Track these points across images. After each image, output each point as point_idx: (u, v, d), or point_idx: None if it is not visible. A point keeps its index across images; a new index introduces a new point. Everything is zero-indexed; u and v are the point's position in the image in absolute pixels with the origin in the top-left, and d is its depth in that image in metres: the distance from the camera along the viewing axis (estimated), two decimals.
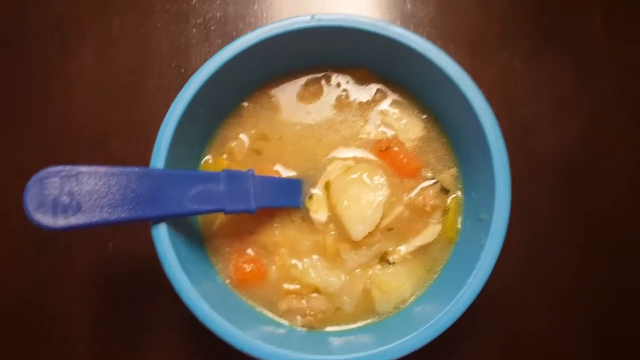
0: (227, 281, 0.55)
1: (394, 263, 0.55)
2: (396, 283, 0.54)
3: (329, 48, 0.54)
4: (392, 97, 0.58)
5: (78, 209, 0.40)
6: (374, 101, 0.58)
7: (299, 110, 0.58)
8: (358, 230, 0.53)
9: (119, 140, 0.66)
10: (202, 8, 0.68)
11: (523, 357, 0.62)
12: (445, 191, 0.56)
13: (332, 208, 0.54)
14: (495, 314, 0.62)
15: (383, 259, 0.55)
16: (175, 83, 0.66)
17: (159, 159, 0.48)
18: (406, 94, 0.58)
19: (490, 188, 0.49)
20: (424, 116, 0.58)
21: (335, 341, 0.52)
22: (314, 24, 0.51)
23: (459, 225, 0.55)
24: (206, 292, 0.48)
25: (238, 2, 0.68)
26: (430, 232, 0.55)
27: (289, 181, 0.55)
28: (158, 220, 0.46)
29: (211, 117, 0.56)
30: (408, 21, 0.69)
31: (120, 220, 0.42)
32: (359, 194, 0.54)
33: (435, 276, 0.55)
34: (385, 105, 0.58)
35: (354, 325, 0.54)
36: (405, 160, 0.55)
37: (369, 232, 0.53)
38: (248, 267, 0.54)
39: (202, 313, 0.46)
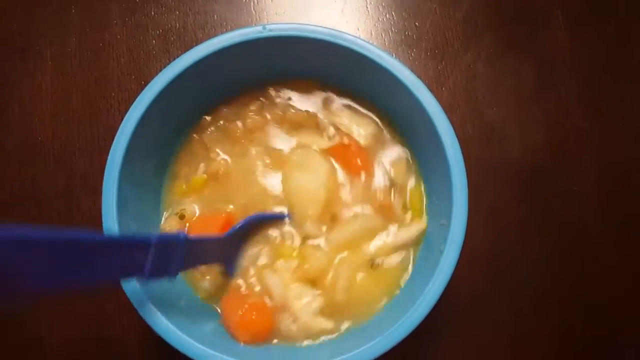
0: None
1: (378, 265, 0.54)
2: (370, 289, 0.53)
3: (279, 61, 0.54)
4: (340, 102, 0.58)
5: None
6: (324, 108, 0.58)
7: (248, 134, 0.57)
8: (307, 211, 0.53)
9: (82, 156, 0.65)
10: (162, 19, 0.67)
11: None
12: (396, 186, 0.56)
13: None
14: (461, 322, 0.61)
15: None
16: (136, 95, 0.65)
17: (111, 173, 0.48)
18: (356, 97, 0.58)
19: (449, 194, 0.49)
20: (375, 116, 0.58)
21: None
22: (265, 34, 0.50)
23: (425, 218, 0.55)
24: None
25: (198, 12, 0.67)
26: (413, 227, 0.55)
27: (224, 239, 0.51)
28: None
29: (168, 132, 0.56)
30: (371, 28, 0.68)
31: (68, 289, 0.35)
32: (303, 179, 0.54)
33: (402, 285, 0.55)
34: (335, 109, 0.58)
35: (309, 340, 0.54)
36: (357, 158, 0.55)
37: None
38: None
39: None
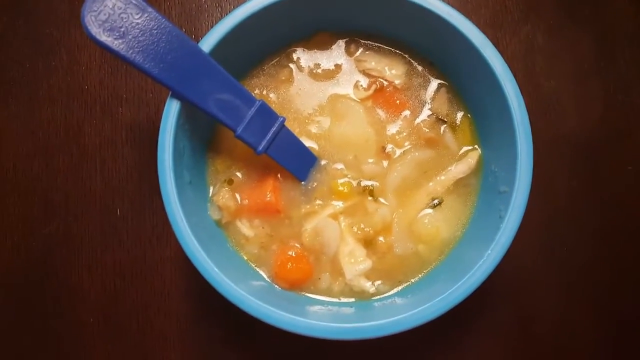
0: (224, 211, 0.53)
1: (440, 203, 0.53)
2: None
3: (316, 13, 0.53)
4: (362, 46, 0.57)
5: (122, 36, 0.42)
6: (350, 58, 0.57)
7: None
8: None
9: (128, 107, 0.64)
10: None
11: (536, 338, 0.61)
12: (442, 122, 0.55)
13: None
14: (509, 294, 0.61)
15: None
16: None
17: (167, 124, 0.47)
18: (379, 37, 0.57)
19: (511, 160, 0.47)
20: (403, 53, 0.57)
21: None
22: None
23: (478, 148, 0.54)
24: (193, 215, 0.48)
25: None
26: (464, 164, 0.54)
27: (309, 152, 0.53)
28: (177, 96, 0.46)
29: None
30: None
31: (148, 72, 0.43)
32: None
33: (449, 252, 0.54)
34: (360, 56, 0.57)
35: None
36: (396, 98, 0.55)
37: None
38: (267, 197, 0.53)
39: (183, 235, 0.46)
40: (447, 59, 0.54)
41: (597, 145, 0.64)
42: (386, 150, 0.54)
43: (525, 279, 0.61)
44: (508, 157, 0.48)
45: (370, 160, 0.54)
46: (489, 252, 0.46)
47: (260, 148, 0.48)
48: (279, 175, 0.53)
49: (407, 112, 0.55)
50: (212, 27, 0.48)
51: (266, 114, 0.48)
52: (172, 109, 0.47)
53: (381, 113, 0.55)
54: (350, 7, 0.52)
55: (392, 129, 0.55)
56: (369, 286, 0.52)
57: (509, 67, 0.65)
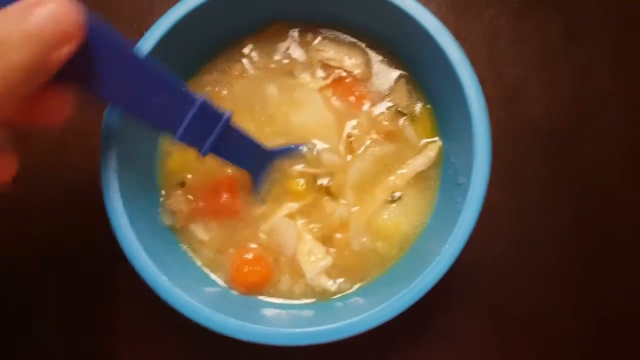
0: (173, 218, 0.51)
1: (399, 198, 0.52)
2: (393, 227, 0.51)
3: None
4: (320, 36, 0.55)
5: None
6: (306, 48, 0.55)
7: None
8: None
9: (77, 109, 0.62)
10: None
11: (508, 333, 0.59)
12: (401, 114, 0.53)
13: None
14: (477, 285, 0.59)
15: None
16: None
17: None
18: (336, 25, 0.55)
19: (469, 151, 0.46)
20: (360, 43, 0.55)
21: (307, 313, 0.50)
22: None
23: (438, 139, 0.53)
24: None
25: None
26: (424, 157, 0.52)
27: (262, 149, 0.49)
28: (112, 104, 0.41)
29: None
30: None
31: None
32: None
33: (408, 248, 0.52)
34: (317, 45, 0.55)
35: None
36: (355, 89, 0.53)
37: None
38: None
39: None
40: (405, 47, 0.53)
41: (565, 131, 0.62)
42: (350, 140, 0.52)
43: (495, 272, 0.59)
44: (466, 148, 0.47)
45: (330, 150, 0.52)
46: (447, 245, 0.44)
47: (204, 150, 0.44)
48: (234, 175, 0.51)
49: (367, 104, 0.54)
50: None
51: (209, 112, 0.43)
52: (112, 112, 0.45)
53: (340, 104, 0.54)
54: None
55: (352, 122, 0.53)
56: (330, 284, 0.51)
57: (472, 54, 0.63)
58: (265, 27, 0.54)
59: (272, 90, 0.53)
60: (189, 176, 0.52)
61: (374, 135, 0.53)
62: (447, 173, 0.51)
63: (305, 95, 0.53)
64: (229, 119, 0.44)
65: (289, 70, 0.54)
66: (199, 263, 0.52)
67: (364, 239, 0.51)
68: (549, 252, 0.60)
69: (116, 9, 0.63)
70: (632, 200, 0.61)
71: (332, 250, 0.51)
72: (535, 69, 0.63)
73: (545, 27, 0.64)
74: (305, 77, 0.54)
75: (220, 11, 0.49)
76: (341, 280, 0.51)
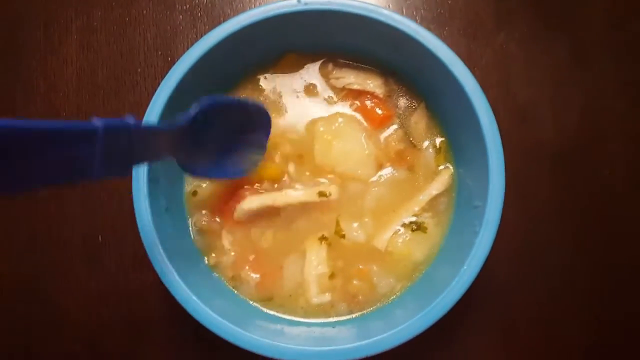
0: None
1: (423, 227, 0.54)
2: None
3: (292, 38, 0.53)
4: (338, 63, 0.57)
5: None
6: (324, 74, 0.57)
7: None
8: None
9: None
10: None
11: (523, 342, 0.61)
12: (418, 141, 0.56)
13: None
14: (493, 300, 0.61)
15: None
16: (162, 71, 0.64)
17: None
18: (352, 55, 0.57)
19: (484, 176, 0.48)
20: (377, 69, 0.57)
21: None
22: (300, 7, 0.49)
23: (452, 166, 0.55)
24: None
25: None
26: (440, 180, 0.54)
27: (174, 131, 0.42)
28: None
29: None
30: (402, 4, 0.67)
31: None
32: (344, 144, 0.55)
33: (424, 270, 0.54)
34: (336, 72, 0.57)
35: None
36: (379, 108, 0.56)
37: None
38: None
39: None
40: (420, 77, 0.55)
41: (574, 152, 0.64)
42: (383, 167, 0.55)
43: (506, 289, 0.61)
44: (481, 172, 0.48)
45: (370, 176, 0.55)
46: (465, 267, 0.46)
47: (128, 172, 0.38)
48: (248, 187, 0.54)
49: (392, 127, 0.56)
50: (187, 49, 0.49)
51: (116, 129, 0.34)
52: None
53: (368, 126, 0.56)
54: (319, 29, 0.52)
55: (379, 144, 0.56)
56: (342, 307, 0.53)
57: (484, 77, 0.65)
58: (280, 58, 0.57)
59: (300, 122, 0.57)
60: (203, 184, 0.55)
61: (391, 160, 0.55)
62: (463, 196, 0.53)
63: (342, 124, 0.56)
64: (135, 121, 0.36)
65: (313, 98, 0.57)
66: (223, 278, 0.54)
67: (380, 267, 0.53)
68: (557, 266, 0.62)
69: (140, 36, 0.66)
70: (635, 220, 0.63)
71: (346, 272, 0.53)
72: (545, 92, 0.65)
73: (554, 52, 0.66)
74: (329, 104, 0.56)
75: (236, 45, 0.51)
76: (354, 302, 0.53)
